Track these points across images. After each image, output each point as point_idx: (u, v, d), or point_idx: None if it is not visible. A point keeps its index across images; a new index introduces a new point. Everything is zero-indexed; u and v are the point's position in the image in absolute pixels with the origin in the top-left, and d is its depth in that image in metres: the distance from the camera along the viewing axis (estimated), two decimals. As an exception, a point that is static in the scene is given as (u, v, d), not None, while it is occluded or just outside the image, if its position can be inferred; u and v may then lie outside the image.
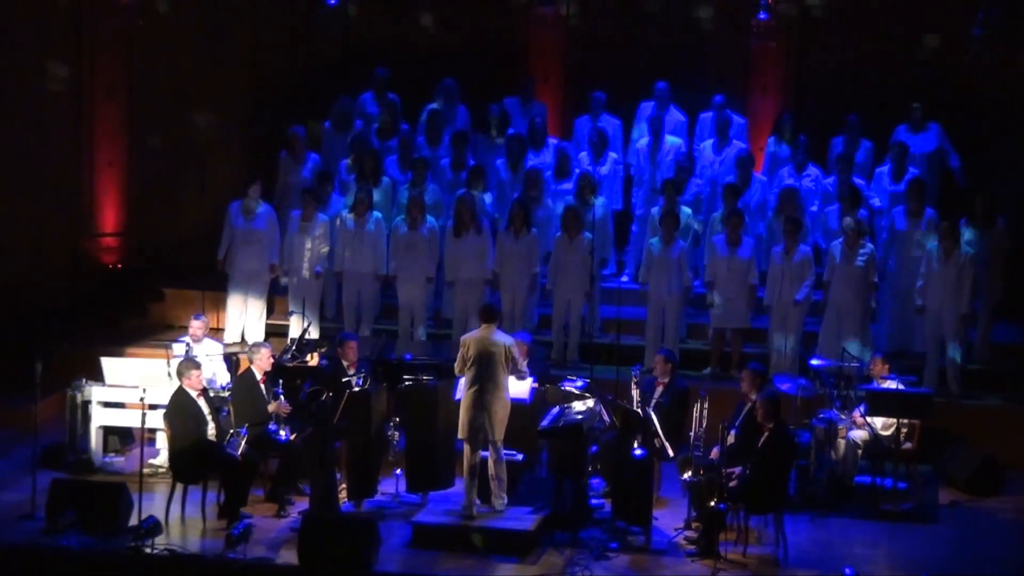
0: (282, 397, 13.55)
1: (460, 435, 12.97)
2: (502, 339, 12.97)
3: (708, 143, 17.63)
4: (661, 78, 17.85)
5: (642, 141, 17.59)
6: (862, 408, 13.94)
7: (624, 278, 17.30)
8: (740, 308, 15.78)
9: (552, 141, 17.66)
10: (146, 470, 13.48)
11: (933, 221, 16.04)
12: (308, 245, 16.30)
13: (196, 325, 14.65)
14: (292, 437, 13.45)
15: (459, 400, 13.21)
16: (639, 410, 13.03)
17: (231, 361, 14.94)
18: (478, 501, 12.94)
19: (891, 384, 13.91)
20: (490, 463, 12.95)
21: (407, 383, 13.57)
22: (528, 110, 18.05)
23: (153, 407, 13.72)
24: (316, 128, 17.94)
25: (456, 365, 13.02)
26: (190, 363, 13.46)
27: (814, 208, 16.85)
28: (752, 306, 15.94)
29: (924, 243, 15.82)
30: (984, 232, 15.79)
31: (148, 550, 12.24)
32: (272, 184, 17.39)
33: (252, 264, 16.46)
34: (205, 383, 13.51)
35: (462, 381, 13.38)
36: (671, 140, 17.51)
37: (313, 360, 14.15)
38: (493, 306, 13.41)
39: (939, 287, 15.36)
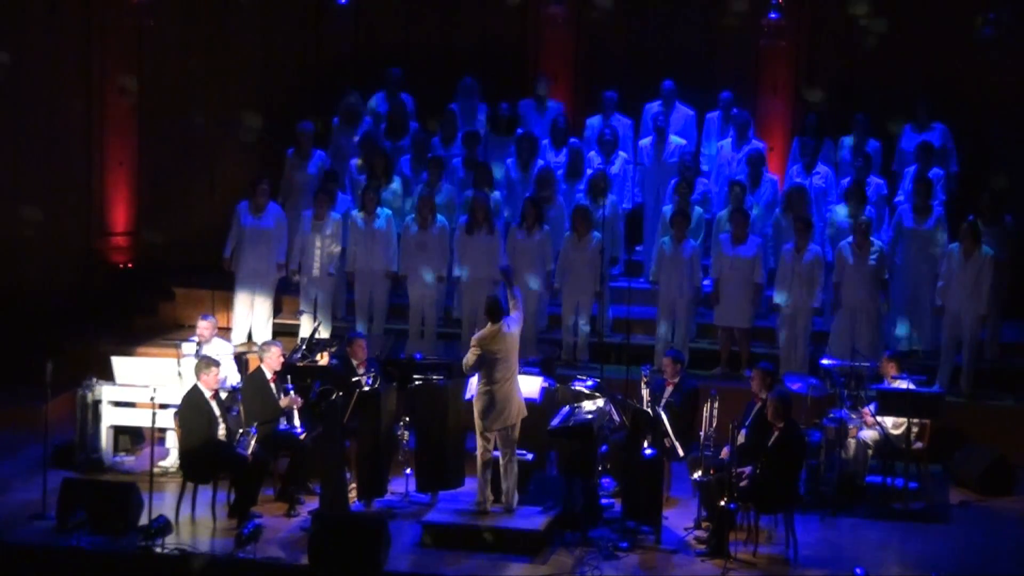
0: (293, 392, 13.57)
1: (477, 428, 12.95)
2: (512, 328, 12.95)
3: (727, 142, 17.56)
4: (670, 78, 17.79)
5: (645, 140, 17.56)
6: (873, 407, 13.92)
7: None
8: (743, 307, 15.75)
9: (563, 140, 17.65)
10: (156, 469, 13.46)
11: (941, 219, 16.01)
12: (320, 244, 16.30)
13: (204, 326, 14.60)
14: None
15: (469, 399, 13.21)
16: (649, 410, 13.04)
17: (240, 361, 14.95)
18: (491, 497, 12.96)
19: (902, 384, 13.88)
20: (502, 461, 12.96)
21: (417, 382, 13.56)
22: (543, 109, 18.01)
23: (163, 406, 13.70)
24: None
25: (468, 362, 12.94)
26: (208, 361, 13.45)
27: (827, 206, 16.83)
28: (756, 306, 15.92)
29: (932, 240, 15.79)
30: (990, 230, 15.72)
31: (158, 550, 12.26)
32: (279, 181, 17.39)
33: (259, 263, 16.43)
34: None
35: (472, 381, 13.37)
36: (675, 140, 17.46)
37: (324, 359, 14.14)
38: (498, 302, 13.16)
39: (959, 287, 15.26)
